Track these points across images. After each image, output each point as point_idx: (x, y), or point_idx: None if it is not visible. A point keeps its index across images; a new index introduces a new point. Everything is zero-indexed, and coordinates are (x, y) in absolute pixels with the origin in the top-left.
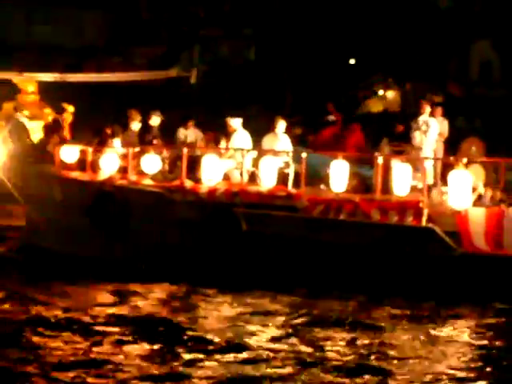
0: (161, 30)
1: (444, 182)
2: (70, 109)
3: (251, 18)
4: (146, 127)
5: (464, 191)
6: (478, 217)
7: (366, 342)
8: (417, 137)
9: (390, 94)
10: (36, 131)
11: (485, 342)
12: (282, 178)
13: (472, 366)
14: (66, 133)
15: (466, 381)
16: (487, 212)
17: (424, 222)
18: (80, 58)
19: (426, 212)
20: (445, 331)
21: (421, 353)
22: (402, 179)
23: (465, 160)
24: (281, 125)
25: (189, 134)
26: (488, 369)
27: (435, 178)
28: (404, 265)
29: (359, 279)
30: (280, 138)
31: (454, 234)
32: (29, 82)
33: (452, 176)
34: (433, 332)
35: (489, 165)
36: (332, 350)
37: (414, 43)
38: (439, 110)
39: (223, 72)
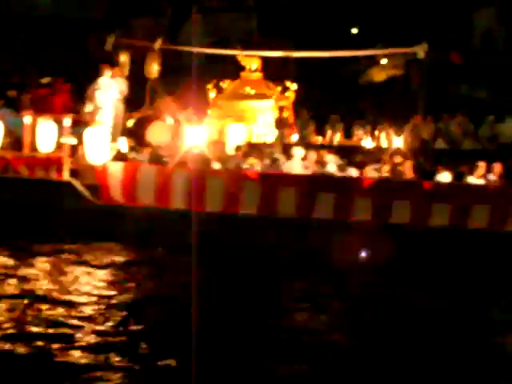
0: (161, 1)
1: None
2: (293, 87)
3: None
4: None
5: (100, 147)
6: (115, 171)
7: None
8: (98, 97)
9: (393, 63)
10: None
11: None
12: None
13: None
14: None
15: None
16: (124, 166)
17: (66, 177)
18: (81, 30)
19: (67, 167)
20: None
21: None
22: (47, 136)
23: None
24: None
25: None
26: None
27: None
28: (47, 217)
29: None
30: None
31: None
32: (252, 59)
33: (87, 133)
34: None
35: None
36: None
37: (416, 11)
38: (118, 71)
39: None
